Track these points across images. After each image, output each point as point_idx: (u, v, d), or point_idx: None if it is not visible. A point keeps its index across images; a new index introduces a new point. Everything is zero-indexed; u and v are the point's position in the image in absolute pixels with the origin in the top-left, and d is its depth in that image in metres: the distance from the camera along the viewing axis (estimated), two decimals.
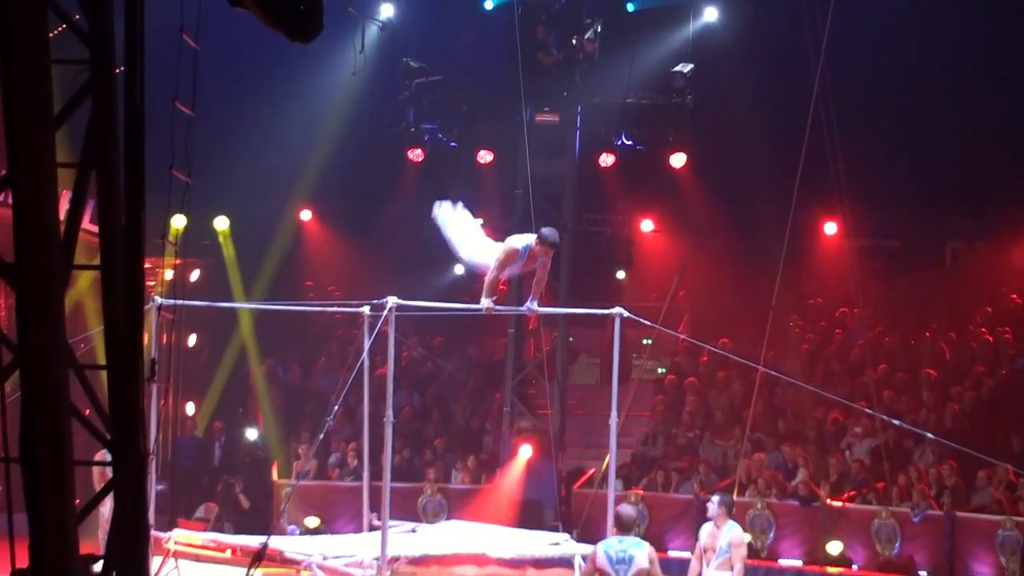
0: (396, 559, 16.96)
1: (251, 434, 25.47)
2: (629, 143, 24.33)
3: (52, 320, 6.02)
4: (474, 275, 25.83)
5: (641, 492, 22.15)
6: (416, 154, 24.42)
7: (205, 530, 20.50)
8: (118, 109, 6.38)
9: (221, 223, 27.37)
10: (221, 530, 21.26)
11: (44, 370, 6.01)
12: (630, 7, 24.05)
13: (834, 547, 20.82)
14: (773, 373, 20.70)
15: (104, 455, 6.55)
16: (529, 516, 22.14)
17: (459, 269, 27.00)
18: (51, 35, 6.14)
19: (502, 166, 24.25)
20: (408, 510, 21.72)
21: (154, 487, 17.12)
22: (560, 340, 24.87)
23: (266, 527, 19.58)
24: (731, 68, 24.20)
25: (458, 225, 16.07)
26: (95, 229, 6.49)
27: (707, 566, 14.32)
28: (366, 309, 17.73)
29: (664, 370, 26.91)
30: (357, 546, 16.96)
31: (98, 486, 6.54)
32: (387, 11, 24.42)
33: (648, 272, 27.58)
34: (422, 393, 26.10)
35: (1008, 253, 26.19)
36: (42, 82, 6.02)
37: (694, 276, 27.62)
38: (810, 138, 20.11)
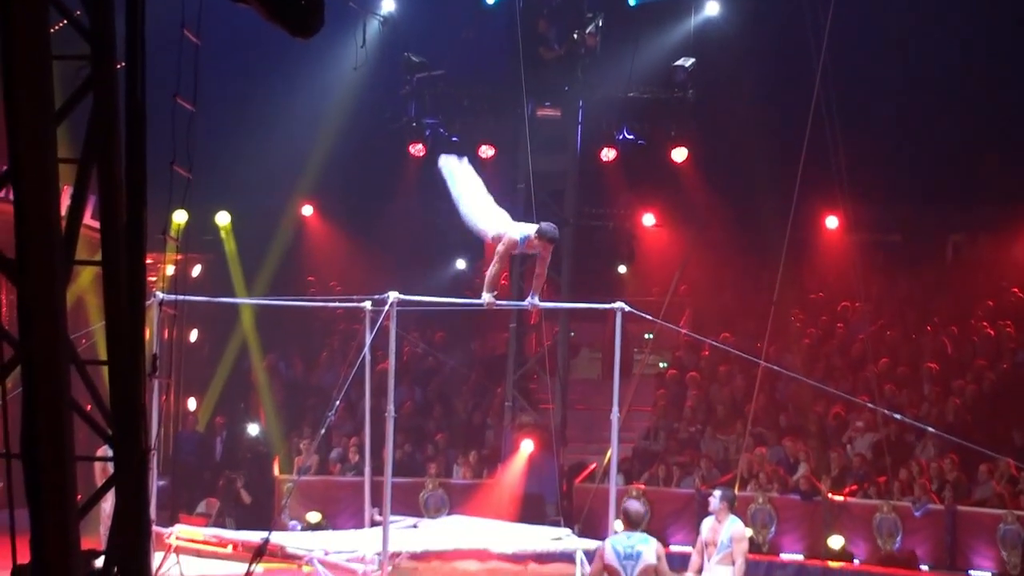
0: (398, 554, 17.00)
1: (252, 429, 25.46)
2: (630, 137, 24.35)
3: (53, 316, 6.02)
4: (476, 270, 25.96)
5: (642, 487, 22.14)
6: (417, 149, 24.43)
7: (206, 526, 20.53)
8: (119, 105, 6.37)
9: (223, 218, 27.38)
10: (223, 526, 21.28)
11: (45, 366, 6.00)
12: (631, 1, 24.02)
13: (835, 541, 20.82)
14: (775, 367, 20.72)
15: (106, 450, 6.55)
16: (530, 511, 22.15)
17: (460, 264, 27.06)
18: (52, 31, 6.13)
19: (503, 161, 24.23)
20: (410, 505, 21.73)
21: (155, 483, 17.13)
22: (561, 335, 24.88)
23: (267, 522, 19.56)
24: (732, 62, 24.20)
25: (463, 180, 15.97)
26: (96, 225, 6.49)
27: (708, 560, 14.31)
28: (367, 304, 17.74)
29: (666, 364, 26.92)
30: (359, 541, 16.98)
31: (100, 482, 6.54)
32: (388, 6, 24.44)
33: (649, 267, 27.61)
34: (423, 388, 26.10)
35: (1009, 247, 26.18)
36: (43, 78, 6.01)
37: (695, 271, 27.63)
38: (811, 132, 20.12)
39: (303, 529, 21.48)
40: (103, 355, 6.44)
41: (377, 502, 18.22)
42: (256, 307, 25.81)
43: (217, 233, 27.37)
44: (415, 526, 18.89)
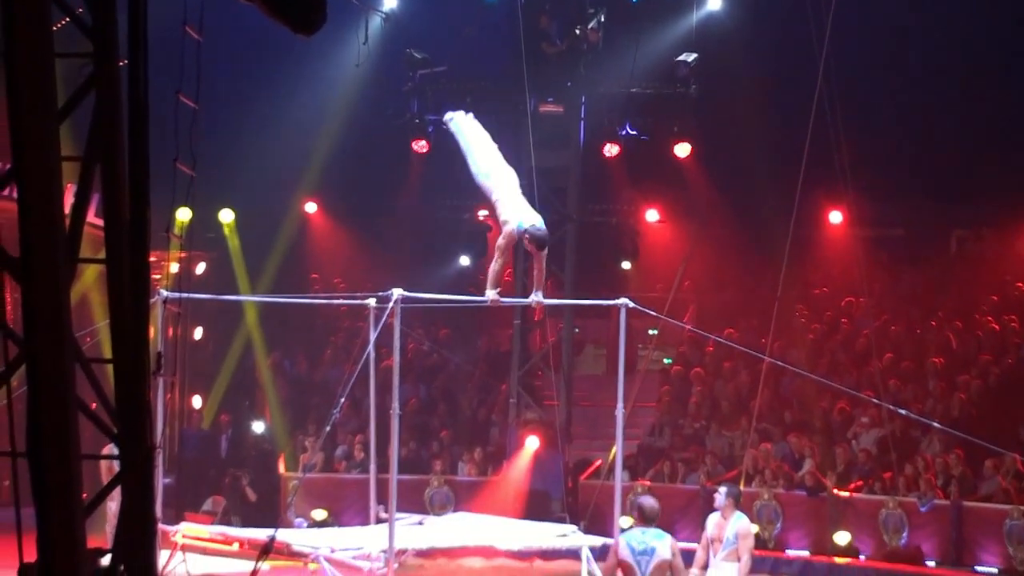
0: (403, 551, 17.00)
1: (258, 427, 25.47)
2: (633, 133, 24.32)
3: (58, 314, 6.01)
4: (480, 267, 25.93)
5: (648, 483, 22.14)
6: (420, 145, 24.40)
7: (212, 523, 20.56)
8: (122, 102, 6.36)
9: (226, 216, 27.38)
10: (228, 523, 21.30)
11: (50, 364, 6.00)
12: None
13: (841, 537, 20.82)
14: (779, 363, 20.72)
15: (111, 449, 6.55)
16: (536, 508, 22.14)
17: (464, 260, 27.04)
18: (54, 28, 6.12)
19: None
20: (415, 502, 21.73)
21: (161, 480, 17.12)
22: (566, 331, 24.88)
23: (273, 520, 19.58)
24: (735, 57, 24.17)
25: (471, 135, 15.95)
26: (100, 223, 6.48)
27: (714, 557, 14.31)
28: (372, 301, 17.75)
29: (670, 360, 26.91)
30: (364, 538, 16.98)
31: (106, 480, 6.52)
32: (390, 2, 24.46)
33: (653, 263, 27.58)
34: (428, 385, 26.11)
35: (1014, 241, 26.17)
36: (46, 76, 6.01)
37: (699, 266, 27.62)
38: (814, 127, 20.07)
39: (309, 526, 21.48)
40: (108, 353, 6.44)
41: (383, 499, 18.22)
42: (260, 305, 25.82)
43: (221, 231, 27.38)
44: (420, 523, 18.89)
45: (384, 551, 15.84)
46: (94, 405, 6.54)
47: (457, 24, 24.51)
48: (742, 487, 18.50)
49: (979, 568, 20.04)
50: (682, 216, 27.77)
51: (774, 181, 22.86)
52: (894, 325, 25.14)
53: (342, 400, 17.12)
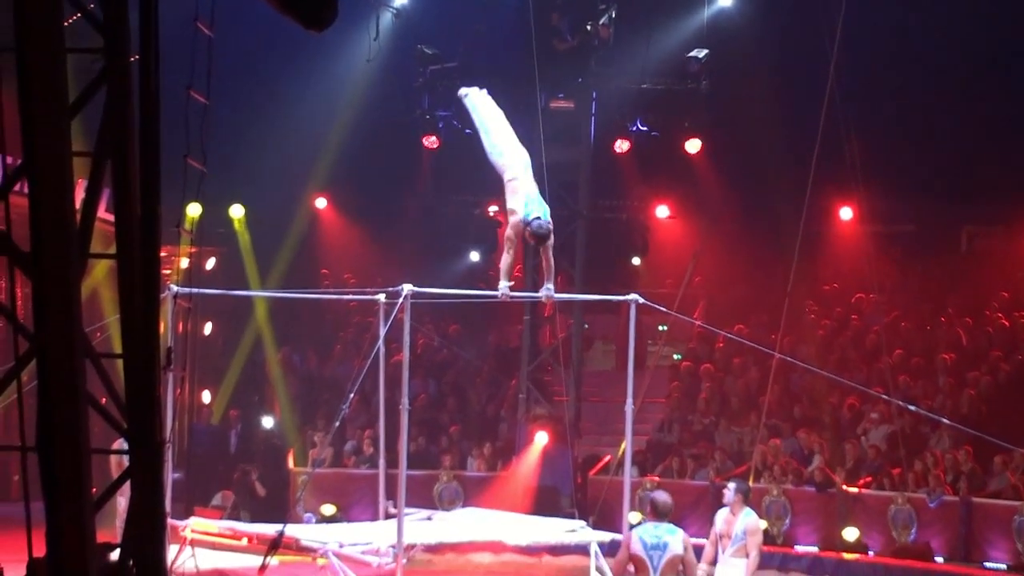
0: (412, 547, 17.00)
1: (267, 422, 25.49)
2: (644, 129, 24.32)
3: (68, 309, 6.03)
4: (489, 262, 25.95)
5: (657, 479, 22.12)
6: (431, 141, 24.43)
7: (221, 518, 20.54)
8: (133, 98, 6.37)
9: (236, 211, 27.42)
10: (237, 518, 21.31)
11: (60, 359, 6.01)
12: None
13: (850, 533, 20.81)
14: (789, 359, 20.71)
15: (121, 444, 6.56)
16: (545, 503, 22.16)
17: (474, 256, 27.05)
18: (66, 24, 6.14)
19: None
20: (424, 498, 21.74)
21: (170, 475, 17.14)
22: (576, 327, 24.87)
23: (282, 515, 19.61)
24: (746, 53, 24.15)
25: (485, 112, 15.95)
26: (111, 218, 6.49)
27: (723, 552, 14.33)
28: (381, 296, 17.75)
29: (680, 356, 26.90)
30: (373, 534, 16.99)
31: (115, 475, 6.54)
32: None
33: (663, 258, 27.59)
34: (438, 380, 26.12)
35: None
36: (57, 71, 6.02)
37: (709, 262, 27.60)
38: (825, 123, 20.06)
39: (318, 521, 21.50)
40: (118, 348, 6.45)
41: (392, 494, 18.22)
42: (270, 300, 25.84)
43: (231, 226, 27.41)
44: (429, 518, 18.91)
45: (393, 546, 15.85)
46: (104, 400, 6.56)
47: (468, 20, 24.50)
48: (751, 483, 18.50)
49: (988, 564, 20.01)
50: (692, 212, 27.77)
51: (784, 177, 22.85)
52: (904, 321, 25.13)
53: (351, 395, 17.16)
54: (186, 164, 8.66)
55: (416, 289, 16.20)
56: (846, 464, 21.66)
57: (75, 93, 6.26)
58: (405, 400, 16.32)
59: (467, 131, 23.70)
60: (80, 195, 6.31)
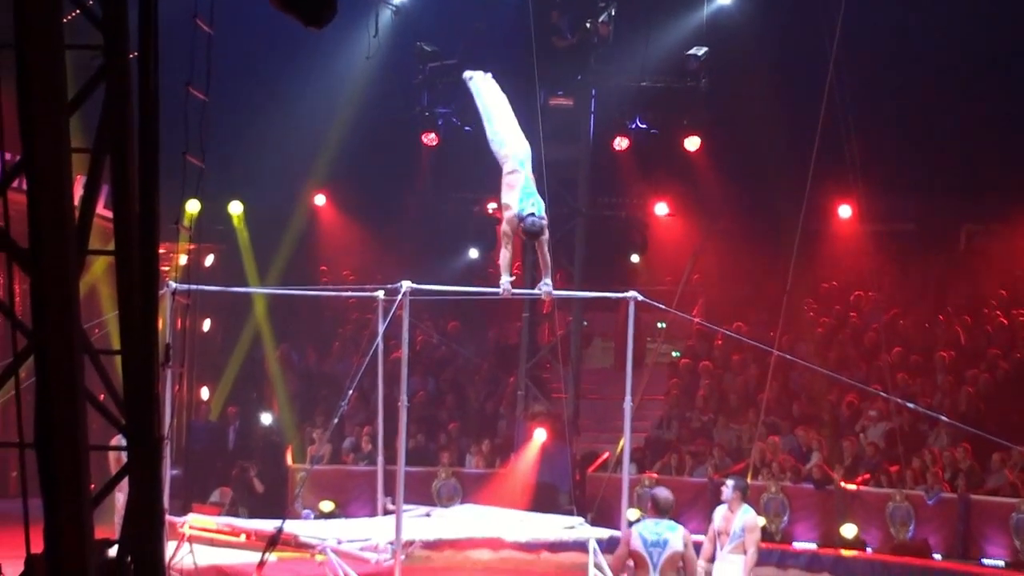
0: (411, 543, 17.02)
1: (265, 419, 25.49)
2: (643, 127, 24.33)
3: (67, 306, 6.03)
4: (488, 259, 25.97)
5: (655, 476, 22.14)
6: (430, 138, 24.44)
7: (220, 515, 20.55)
8: (132, 95, 6.38)
9: (235, 208, 27.40)
10: (236, 515, 21.30)
11: (59, 356, 6.01)
12: None
13: (848, 530, 20.82)
14: (788, 357, 20.72)
15: (119, 440, 6.56)
16: (543, 500, 22.18)
17: (473, 253, 27.05)
18: (65, 21, 6.14)
19: None
20: (422, 494, 21.76)
21: (169, 472, 17.19)
22: (574, 324, 24.89)
23: (281, 511, 19.62)
24: (746, 51, 24.15)
25: (489, 98, 15.93)
26: (109, 214, 6.49)
27: (721, 549, 14.33)
28: (380, 293, 17.77)
29: (678, 354, 26.90)
30: (372, 530, 17.00)
31: (114, 471, 6.54)
32: None
33: (662, 256, 27.60)
34: (436, 377, 26.12)
35: (1023, 236, 26.11)
36: (56, 68, 6.02)
37: (708, 260, 27.63)
38: (825, 121, 20.06)
39: (316, 518, 21.51)
40: (116, 344, 6.45)
41: (390, 491, 18.25)
42: (269, 297, 25.85)
43: (230, 223, 27.38)
44: (428, 515, 18.92)
45: (391, 543, 15.86)
46: (102, 396, 6.56)
47: (467, 17, 24.49)
48: (749, 480, 18.54)
49: (986, 561, 20.02)
50: (691, 209, 27.76)
51: (784, 175, 22.86)
52: (903, 319, 25.14)
53: (350, 392, 17.18)
54: (185, 161, 8.68)
55: (415, 286, 16.21)
56: (844, 461, 21.66)
57: (74, 90, 6.26)
58: (404, 397, 16.33)
59: (466, 128, 23.79)
60: (79, 192, 6.31)
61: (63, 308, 6.02)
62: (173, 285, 16.40)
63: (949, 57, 25.10)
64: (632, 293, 16.99)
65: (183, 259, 22.67)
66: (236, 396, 26.30)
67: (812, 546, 21.07)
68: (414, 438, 22.81)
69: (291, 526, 16.71)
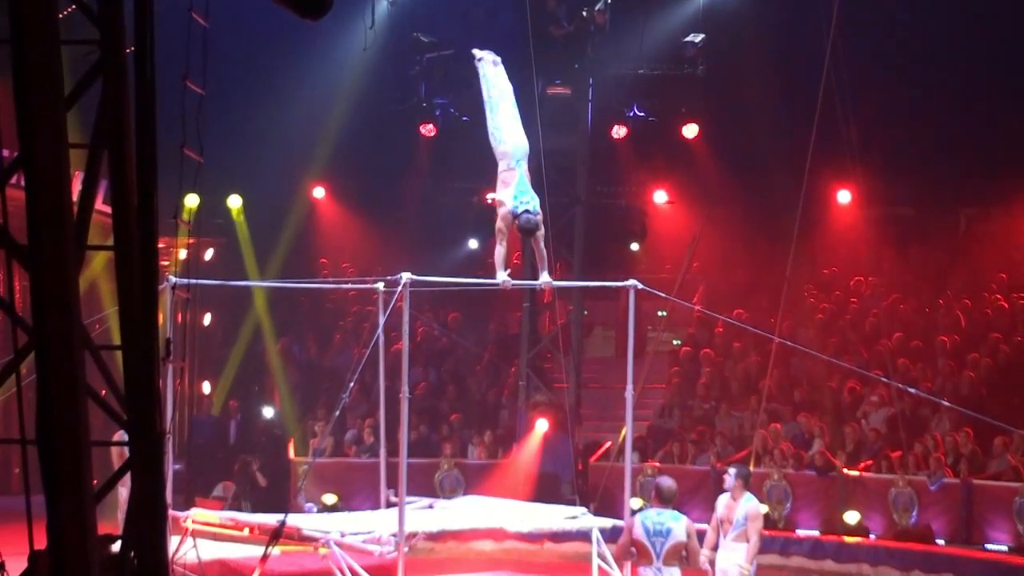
0: (414, 535, 16.99)
1: (267, 412, 25.50)
2: (641, 114, 24.33)
3: (67, 301, 6.02)
4: (488, 250, 25.91)
5: (658, 464, 22.14)
6: (428, 129, 24.44)
7: (222, 509, 20.56)
8: (129, 89, 6.36)
9: (234, 201, 27.40)
10: (238, 509, 21.32)
11: (60, 352, 6.00)
12: None
13: (851, 516, 20.81)
14: (788, 343, 20.69)
15: (121, 435, 6.55)
16: (546, 490, 22.16)
17: (473, 244, 27.03)
18: (61, 16, 6.12)
19: None
20: (425, 486, 21.75)
21: (171, 467, 17.11)
22: (575, 313, 24.88)
23: (283, 505, 19.62)
24: (742, 37, 24.14)
25: (496, 86, 15.92)
26: (108, 210, 6.48)
27: (724, 538, 14.33)
28: (380, 285, 17.74)
29: (679, 342, 26.91)
30: (375, 522, 16.96)
31: (116, 466, 6.53)
32: None
33: (662, 244, 27.59)
34: (437, 369, 26.12)
35: (1023, 219, 26.10)
36: (53, 63, 6.01)
37: (708, 247, 27.61)
38: (823, 106, 20.03)
39: (319, 511, 21.50)
40: (117, 340, 6.44)
41: (392, 483, 18.21)
42: (269, 290, 25.86)
43: (229, 216, 27.39)
44: (431, 506, 18.89)
45: (394, 535, 15.84)
46: (104, 392, 6.55)
47: (464, 7, 24.49)
48: (752, 467, 18.49)
49: (989, 546, 20.00)
50: (690, 197, 27.75)
51: (782, 161, 22.86)
52: (903, 304, 25.13)
53: (351, 385, 17.13)
54: (183, 155, 8.65)
55: (415, 277, 16.18)
56: (846, 447, 21.66)
57: (71, 85, 6.25)
58: (405, 389, 16.30)
59: (464, 118, 23.78)
60: (77, 187, 6.30)
61: (63, 304, 6.01)
62: (173, 279, 16.36)
63: (948, 41, 25.07)
64: (632, 282, 16.96)
65: (183, 253, 22.67)
66: (238, 390, 26.32)
67: (815, 533, 21.05)
68: (416, 430, 22.81)
69: (294, 519, 16.69)
